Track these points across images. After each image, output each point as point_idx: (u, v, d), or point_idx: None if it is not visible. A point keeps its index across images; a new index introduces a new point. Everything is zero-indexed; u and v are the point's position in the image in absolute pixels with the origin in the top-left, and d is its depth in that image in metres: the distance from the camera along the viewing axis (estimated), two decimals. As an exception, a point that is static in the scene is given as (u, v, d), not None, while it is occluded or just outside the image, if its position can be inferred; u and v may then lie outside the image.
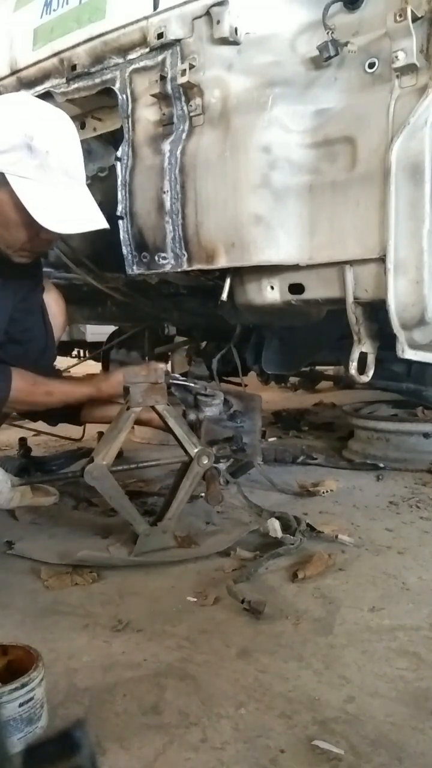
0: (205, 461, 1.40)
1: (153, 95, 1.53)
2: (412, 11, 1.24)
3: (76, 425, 1.82)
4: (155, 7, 1.50)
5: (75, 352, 4.73)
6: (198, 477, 1.42)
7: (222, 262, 1.48)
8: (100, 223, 1.39)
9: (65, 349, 3.83)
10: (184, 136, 1.51)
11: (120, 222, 1.58)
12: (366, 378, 1.43)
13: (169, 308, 2.19)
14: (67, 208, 1.32)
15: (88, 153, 1.88)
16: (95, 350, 3.29)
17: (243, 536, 1.45)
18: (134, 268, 1.61)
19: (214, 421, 1.59)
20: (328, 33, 1.35)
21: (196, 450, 1.40)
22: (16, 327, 1.61)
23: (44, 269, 1.79)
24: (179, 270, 1.55)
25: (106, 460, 1.34)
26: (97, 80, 1.63)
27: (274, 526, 1.42)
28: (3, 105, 1.34)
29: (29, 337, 1.65)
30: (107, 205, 1.53)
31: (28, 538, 1.52)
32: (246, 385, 2.35)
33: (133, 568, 1.33)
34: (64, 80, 1.70)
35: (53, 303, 1.73)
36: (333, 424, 2.85)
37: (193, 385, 1.61)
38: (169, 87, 1.50)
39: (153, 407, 1.40)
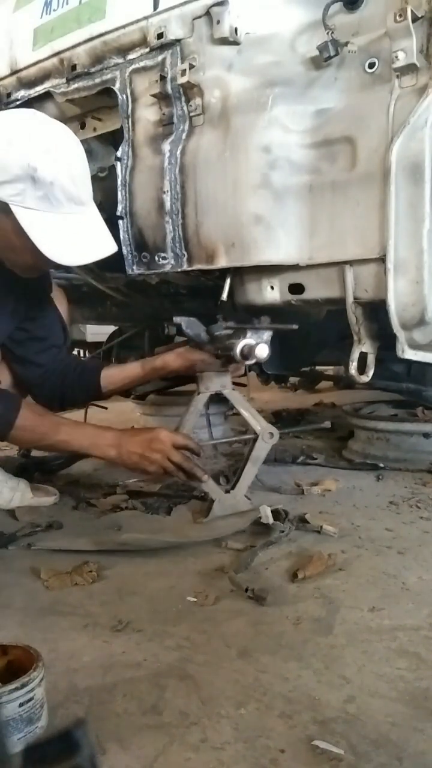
0: (269, 438, 1.63)
1: (153, 95, 1.53)
2: (412, 11, 1.24)
3: (103, 399, 1.81)
4: (155, 7, 1.50)
5: (75, 352, 4.72)
6: (264, 451, 1.65)
7: (222, 262, 1.48)
8: (110, 248, 1.37)
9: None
10: (184, 136, 1.51)
11: (120, 222, 1.59)
12: (366, 378, 1.43)
13: (169, 308, 2.19)
14: (74, 238, 1.29)
15: (89, 153, 1.88)
16: (95, 350, 3.29)
17: (257, 517, 1.51)
18: (134, 268, 1.61)
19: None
20: (328, 33, 1.35)
21: (260, 427, 1.62)
22: (35, 324, 1.63)
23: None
24: (179, 270, 1.55)
25: None
26: (97, 80, 1.63)
27: (266, 513, 1.50)
28: (4, 128, 1.26)
29: (48, 334, 1.67)
30: (107, 205, 1.53)
31: (40, 537, 1.52)
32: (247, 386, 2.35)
33: (133, 567, 1.33)
34: (64, 80, 1.70)
35: (57, 301, 1.74)
36: (333, 424, 2.85)
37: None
38: (169, 87, 1.50)
39: (218, 393, 1.61)
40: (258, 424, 1.64)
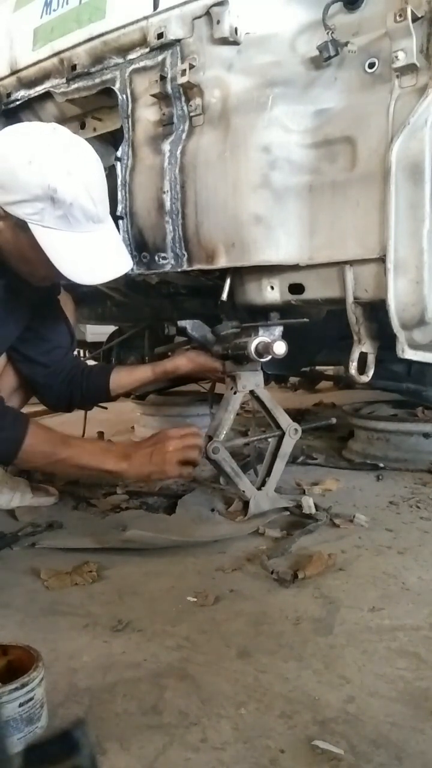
0: (294, 434, 1.67)
1: (153, 95, 1.53)
2: (412, 11, 1.24)
3: (111, 401, 1.80)
4: (155, 7, 1.50)
5: (75, 352, 4.68)
6: (290, 446, 1.68)
7: (222, 262, 1.48)
8: (126, 265, 1.39)
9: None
10: (184, 136, 1.51)
11: (120, 222, 1.58)
12: (366, 378, 1.43)
13: (169, 308, 2.18)
14: (92, 256, 1.29)
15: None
16: (95, 350, 3.29)
17: (274, 517, 1.58)
18: (134, 268, 1.61)
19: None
20: (328, 33, 1.35)
21: (286, 424, 1.66)
22: (42, 324, 1.63)
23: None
24: (179, 270, 1.55)
25: (222, 438, 1.55)
26: (97, 80, 1.63)
27: (309, 503, 1.62)
28: (24, 147, 1.24)
29: (54, 335, 1.67)
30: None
31: (41, 537, 1.52)
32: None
33: (133, 567, 1.33)
34: (64, 80, 1.70)
35: (64, 304, 1.74)
36: (333, 424, 2.85)
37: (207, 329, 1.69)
38: (169, 87, 1.50)
39: (252, 391, 1.64)
40: (285, 421, 1.67)
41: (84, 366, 1.76)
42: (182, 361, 1.69)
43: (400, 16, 1.24)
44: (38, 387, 1.70)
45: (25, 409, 1.75)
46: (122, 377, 1.71)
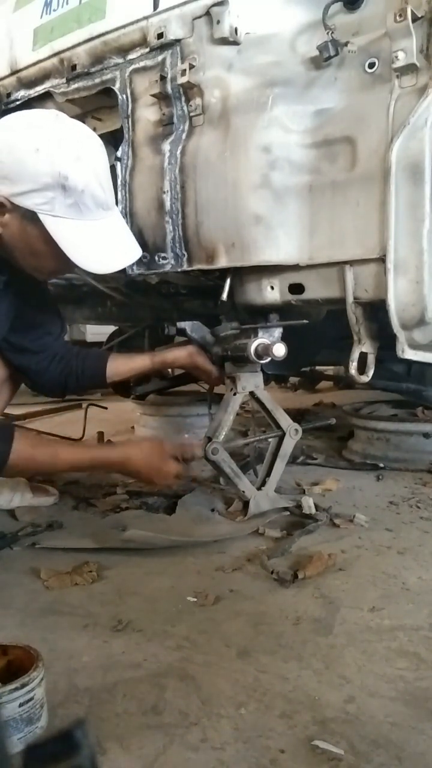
0: (295, 434, 1.68)
1: (153, 95, 1.53)
2: (412, 11, 1.23)
3: (106, 387, 1.80)
4: (155, 7, 1.50)
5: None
6: (290, 447, 1.68)
7: (222, 262, 1.48)
8: (137, 252, 1.39)
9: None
10: (184, 136, 1.51)
11: (120, 222, 1.58)
12: (366, 378, 1.43)
13: (169, 308, 2.18)
14: (103, 245, 1.28)
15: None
16: (95, 350, 3.28)
17: (274, 517, 1.59)
18: (134, 268, 1.61)
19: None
20: (328, 33, 1.35)
21: (287, 425, 1.67)
22: (31, 311, 1.61)
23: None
24: (179, 270, 1.55)
25: (221, 438, 1.56)
26: (97, 80, 1.63)
27: (309, 504, 1.62)
28: (29, 134, 1.22)
29: (43, 321, 1.65)
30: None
31: (41, 537, 1.52)
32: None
33: (133, 567, 1.33)
34: (64, 80, 1.70)
35: None
36: (333, 424, 2.85)
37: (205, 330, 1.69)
38: (169, 87, 1.50)
39: (251, 392, 1.64)
40: (285, 421, 1.67)
41: (78, 350, 1.74)
42: (182, 354, 1.69)
43: (400, 16, 1.24)
44: (30, 374, 1.66)
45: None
46: (120, 365, 1.70)
